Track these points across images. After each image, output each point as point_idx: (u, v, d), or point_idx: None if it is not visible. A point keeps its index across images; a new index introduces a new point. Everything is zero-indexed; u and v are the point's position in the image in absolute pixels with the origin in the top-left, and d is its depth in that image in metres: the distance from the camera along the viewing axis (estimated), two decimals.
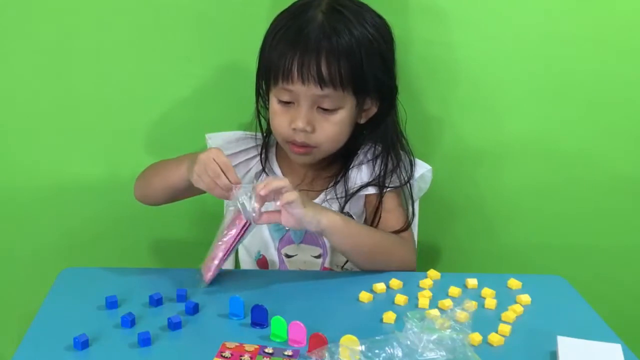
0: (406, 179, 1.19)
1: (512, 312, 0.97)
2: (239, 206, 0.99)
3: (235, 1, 1.29)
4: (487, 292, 1.04)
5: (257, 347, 0.86)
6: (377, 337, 0.83)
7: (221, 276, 1.05)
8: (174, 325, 0.91)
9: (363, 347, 0.80)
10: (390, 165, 1.19)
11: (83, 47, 1.30)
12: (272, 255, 1.24)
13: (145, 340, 0.87)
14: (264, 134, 1.23)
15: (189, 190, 1.10)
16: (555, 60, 1.34)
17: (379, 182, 1.18)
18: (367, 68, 1.09)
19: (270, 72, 1.11)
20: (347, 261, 1.20)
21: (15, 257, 1.44)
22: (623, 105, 1.38)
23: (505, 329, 0.93)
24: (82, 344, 0.86)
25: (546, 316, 0.98)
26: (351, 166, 1.20)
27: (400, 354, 0.81)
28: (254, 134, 1.23)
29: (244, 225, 1.01)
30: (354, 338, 0.81)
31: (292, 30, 1.08)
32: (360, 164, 1.21)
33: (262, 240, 1.24)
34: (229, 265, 1.31)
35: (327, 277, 1.14)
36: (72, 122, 1.35)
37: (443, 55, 1.33)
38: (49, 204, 1.40)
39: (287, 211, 1.00)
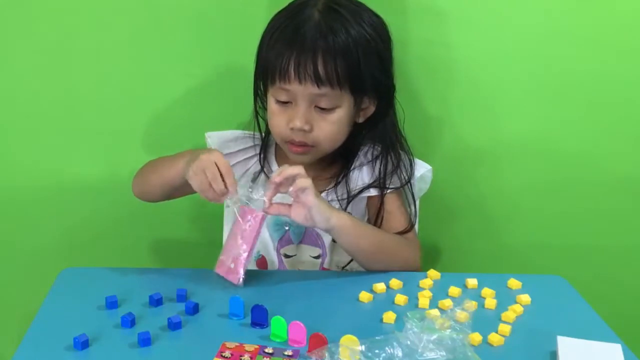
0: (406, 178, 1.19)
1: (512, 312, 0.97)
2: (245, 202, 1.01)
3: (235, 1, 1.29)
4: (487, 292, 1.04)
5: (257, 347, 0.86)
6: (377, 337, 0.83)
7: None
8: (174, 325, 0.91)
9: (363, 347, 0.80)
10: (390, 166, 1.19)
11: (83, 47, 1.30)
12: (272, 255, 1.24)
13: (145, 340, 0.87)
14: (262, 134, 1.23)
15: (186, 187, 1.10)
16: (555, 60, 1.34)
17: (379, 183, 1.18)
18: (364, 67, 1.09)
19: (267, 71, 1.11)
20: (348, 262, 1.20)
21: (15, 257, 1.44)
22: (623, 105, 1.37)
23: (505, 329, 0.93)
24: (82, 344, 0.86)
25: (546, 316, 0.98)
26: (352, 167, 1.20)
27: (400, 354, 0.81)
28: (253, 133, 1.24)
29: (261, 219, 1.02)
30: (354, 338, 0.81)
31: (288, 30, 1.08)
32: (361, 165, 1.21)
33: (261, 240, 1.23)
34: None
35: (327, 277, 1.14)
36: (72, 122, 1.35)
37: (442, 55, 1.33)
38: (49, 203, 1.40)
39: (299, 201, 1.01)
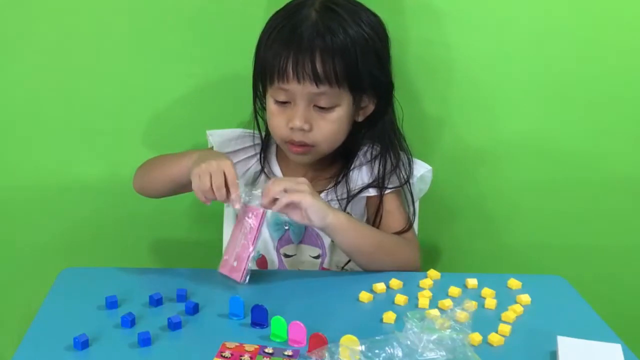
0: (405, 178, 1.19)
1: (512, 312, 0.97)
2: (246, 200, 1.02)
3: (234, 1, 1.28)
4: (487, 292, 1.04)
5: (257, 347, 0.86)
6: (377, 337, 0.83)
7: (221, 276, 1.05)
8: (174, 325, 0.91)
9: (363, 347, 0.80)
10: (389, 166, 1.19)
11: (83, 47, 1.30)
12: (272, 254, 1.24)
13: (145, 340, 0.87)
14: (262, 134, 1.23)
15: (188, 186, 1.10)
16: (555, 60, 1.34)
17: (378, 183, 1.18)
18: (362, 65, 1.09)
19: (265, 72, 1.11)
20: (347, 262, 1.20)
21: (15, 257, 1.44)
22: (623, 105, 1.37)
23: (505, 329, 0.93)
24: (82, 344, 0.86)
25: (546, 316, 0.98)
26: (352, 167, 1.20)
27: (400, 354, 0.81)
28: (255, 132, 1.24)
29: (262, 215, 1.03)
30: (354, 338, 0.81)
31: (286, 30, 1.08)
32: (361, 165, 1.21)
33: (261, 240, 1.23)
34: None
35: (327, 277, 1.14)
36: (72, 122, 1.35)
37: (442, 55, 1.33)
38: (49, 203, 1.40)
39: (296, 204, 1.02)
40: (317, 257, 1.23)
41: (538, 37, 1.32)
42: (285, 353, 0.85)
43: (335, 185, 1.20)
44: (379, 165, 1.19)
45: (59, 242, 1.43)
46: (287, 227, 1.22)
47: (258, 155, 1.23)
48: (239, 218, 1.05)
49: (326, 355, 0.80)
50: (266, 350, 0.86)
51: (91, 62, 1.31)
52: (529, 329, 0.94)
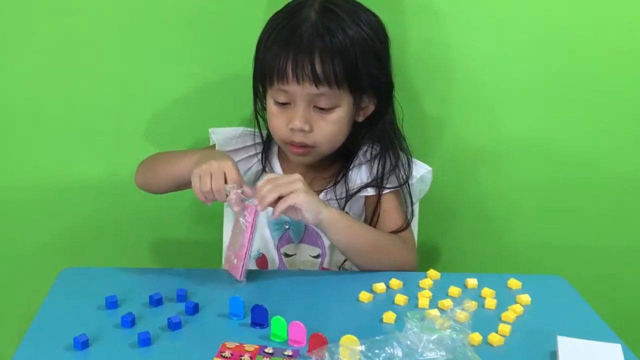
0: (404, 178, 1.19)
1: (512, 312, 0.97)
2: (244, 198, 1.02)
3: (235, 1, 1.28)
4: (487, 292, 1.04)
5: (257, 347, 0.86)
6: (377, 337, 0.83)
7: (221, 276, 1.05)
8: (174, 325, 0.91)
9: (363, 347, 0.80)
10: (388, 166, 1.19)
11: (83, 47, 1.30)
12: (272, 254, 1.24)
13: (145, 340, 0.87)
14: (262, 134, 1.23)
15: (190, 184, 1.11)
16: (555, 60, 1.34)
17: (377, 182, 1.18)
18: (362, 66, 1.09)
19: (265, 73, 1.11)
20: (344, 261, 1.20)
21: (15, 257, 1.44)
22: (623, 105, 1.37)
23: (505, 329, 0.93)
24: (82, 344, 0.86)
25: (546, 316, 0.98)
26: (351, 167, 1.20)
27: (400, 354, 0.81)
28: (257, 131, 1.23)
29: (254, 212, 1.03)
30: (354, 338, 0.81)
31: (285, 31, 1.08)
32: (360, 164, 1.21)
33: (262, 239, 1.24)
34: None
35: (327, 277, 1.14)
36: (72, 122, 1.35)
37: (441, 55, 1.33)
38: (49, 203, 1.40)
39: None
40: (317, 257, 1.23)
41: (538, 37, 1.32)
42: (285, 353, 0.85)
43: (335, 184, 1.20)
44: (378, 165, 1.19)
45: (59, 242, 1.43)
46: (287, 227, 1.22)
47: (259, 155, 1.23)
48: (236, 216, 1.06)
49: (326, 355, 0.80)
50: (266, 350, 0.86)
51: (91, 62, 1.31)
52: (529, 329, 0.94)
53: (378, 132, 1.19)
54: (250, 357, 0.84)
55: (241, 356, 0.84)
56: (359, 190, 1.19)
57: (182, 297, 0.99)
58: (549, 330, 0.92)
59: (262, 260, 1.25)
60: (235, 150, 1.22)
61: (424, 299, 1.00)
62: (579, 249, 1.47)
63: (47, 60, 1.31)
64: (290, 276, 1.13)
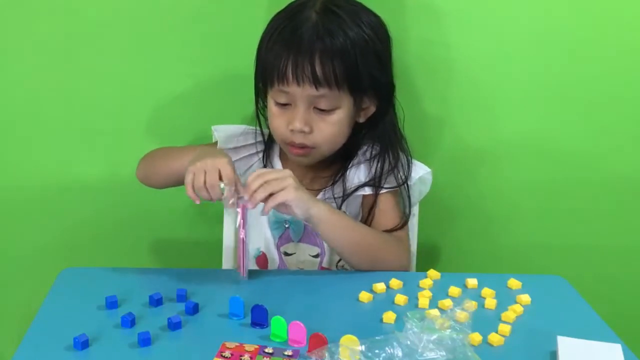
0: (403, 178, 1.19)
1: (512, 312, 0.97)
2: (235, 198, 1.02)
3: (235, 1, 1.28)
4: (487, 292, 1.04)
5: (257, 347, 0.86)
6: (377, 337, 0.83)
7: (221, 276, 1.05)
8: (174, 325, 0.91)
9: (363, 347, 0.80)
10: (387, 166, 1.18)
11: (83, 47, 1.30)
12: (272, 252, 1.24)
13: (145, 340, 0.87)
14: (263, 134, 1.23)
15: None
16: (555, 60, 1.34)
17: (375, 182, 1.18)
18: (362, 67, 1.09)
19: (266, 73, 1.11)
20: (340, 259, 1.21)
21: (15, 257, 1.44)
22: (623, 105, 1.37)
23: (505, 329, 0.92)
24: (82, 344, 0.86)
25: (546, 316, 0.98)
26: (350, 166, 1.20)
27: (400, 354, 0.81)
28: (259, 129, 1.23)
29: (243, 208, 1.03)
30: (354, 338, 0.81)
31: (286, 32, 1.08)
32: (359, 163, 1.21)
33: (262, 237, 1.24)
34: (229, 264, 1.31)
35: (327, 276, 1.14)
36: (72, 122, 1.35)
37: (442, 55, 1.33)
38: (49, 203, 1.40)
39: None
40: (316, 256, 1.23)
41: (538, 37, 1.32)
42: (285, 353, 0.85)
43: (333, 184, 1.20)
44: (377, 164, 1.19)
45: (59, 242, 1.43)
46: (287, 225, 1.22)
47: (261, 153, 1.23)
48: (234, 215, 1.06)
49: (326, 355, 0.80)
50: (266, 350, 0.86)
51: (91, 62, 1.31)
52: (529, 329, 0.94)
53: (378, 132, 1.19)
54: (250, 357, 0.84)
55: (241, 356, 0.84)
56: (356, 189, 1.19)
57: (182, 297, 0.99)
58: (549, 330, 0.92)
59: (262, 258, 1.25)
60: (237, 148, 1.22)
61: (424, 299, 1.00)
62: (579, 249, 1.48)
63: (47, 60, 1.31)
64: (290, 276, 1.13)
